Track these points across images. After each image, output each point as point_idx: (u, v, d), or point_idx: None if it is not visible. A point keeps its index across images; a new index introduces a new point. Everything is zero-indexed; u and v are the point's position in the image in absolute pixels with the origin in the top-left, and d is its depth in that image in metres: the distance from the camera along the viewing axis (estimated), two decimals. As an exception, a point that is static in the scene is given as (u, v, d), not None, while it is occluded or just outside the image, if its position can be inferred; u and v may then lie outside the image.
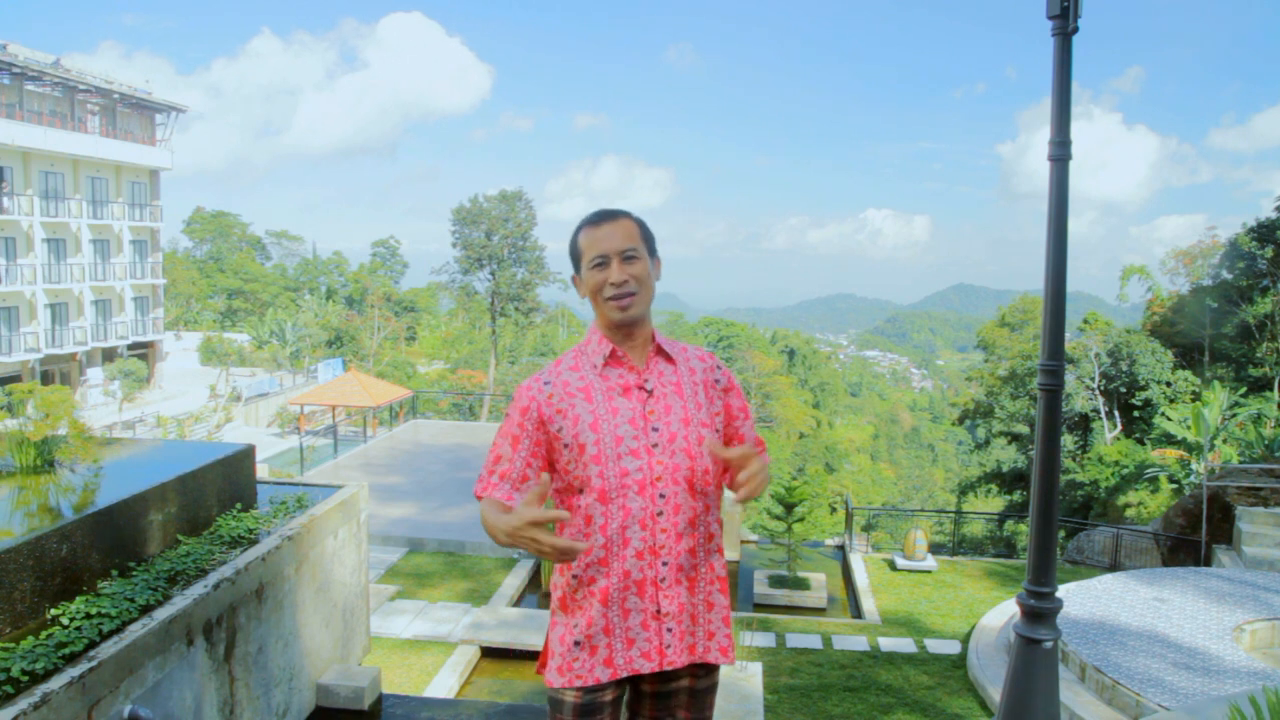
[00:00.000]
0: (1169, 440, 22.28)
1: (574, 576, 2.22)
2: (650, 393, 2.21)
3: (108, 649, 2.93)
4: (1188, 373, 29.81)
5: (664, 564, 2.17)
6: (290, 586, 4.24)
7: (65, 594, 3.14)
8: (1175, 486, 21.21)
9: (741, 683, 6.79)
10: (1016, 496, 33.14)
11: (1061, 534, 17.58)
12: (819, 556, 15.66)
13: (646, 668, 2.19)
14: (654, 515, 2.15)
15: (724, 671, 6.93)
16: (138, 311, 37.98)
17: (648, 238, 2.25)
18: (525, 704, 5.57)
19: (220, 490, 4.26)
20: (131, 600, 3.24)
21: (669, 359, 2.27)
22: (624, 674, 2.19)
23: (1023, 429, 33.83)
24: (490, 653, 9.57)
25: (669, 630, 2.19)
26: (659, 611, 2.18)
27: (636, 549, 2.15)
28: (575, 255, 2.25)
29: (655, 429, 2.18)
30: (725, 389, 2.34)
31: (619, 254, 2.17)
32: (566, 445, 2.17)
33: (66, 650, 2.85)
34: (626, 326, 2.21)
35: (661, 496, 2.16)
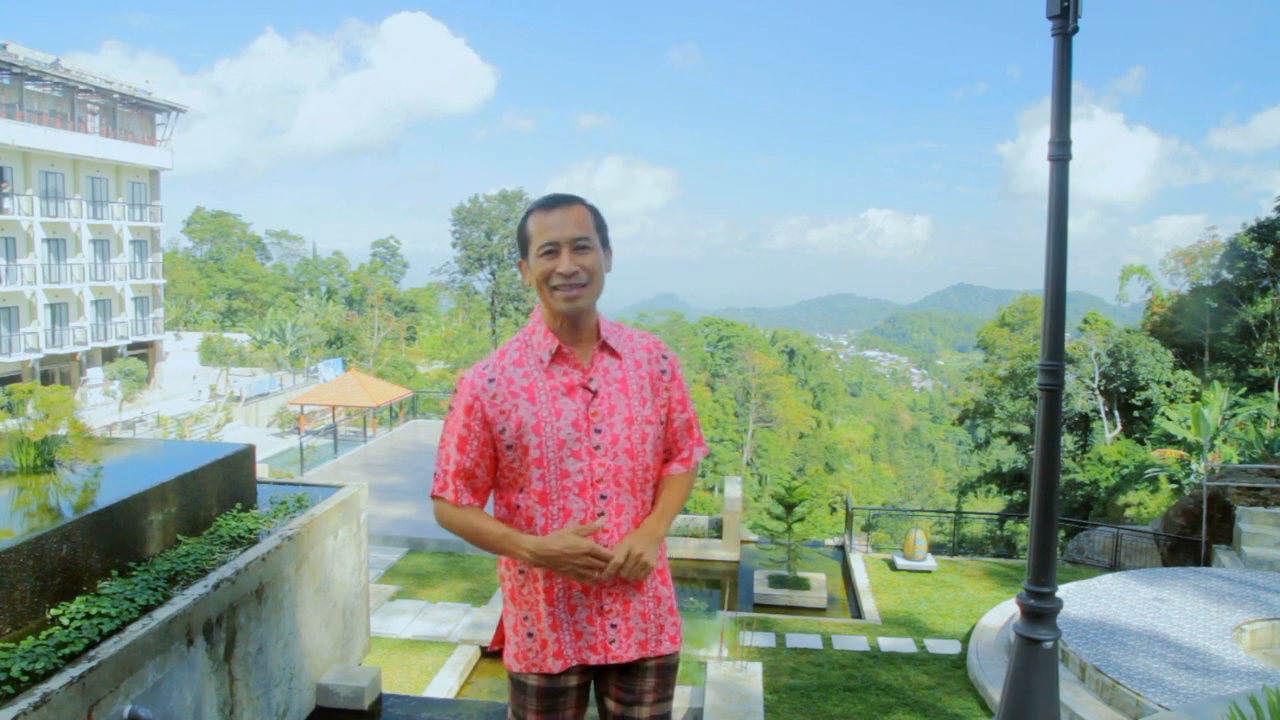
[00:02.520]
0: (1169, 440, 22.27)
1: (520, 571, 2.22)
2: (595, 393, 2.17)
3: (108, 649, 2.93)
4: (1188, 373, 29.81)
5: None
6: (290, 586, 4.24)
7: (65, 594, 3.14)
8: (1175, 486, 21.21)
9: (741, 683, 6.78)
10: (1016, 496, 33.13)
11: (1061, 534, 17.57)
12: (819, 556, 15.66)
13: (594, 660, 2.21)
14: (594, 516, 2.14)
15: (724, 671, 6.92)
16: (138, 311, 37.97)
17: (600, 226, 2.18)
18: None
19: (220, 490, 4.26)
20: (131, 600, 3.24)
21: (614, 354, 2.22)
22: (574, 663, 2.21)
23: (1023, 429, 33.83)
24: (490, 653, 9.57)
25: (613, 626, 2.20)
26: (602, 609, 2.19)
27: None
28: (523, 240, 2.17)
29: (598, 430, 2.15)
30: (671, 379, 2.30)
31: (570, 242, 2.10)
32: (509, 447, 2.14)
33: (66, 650, 2.85)
34: (572, 318, 2.15)
35: (603, 498, 2.15)
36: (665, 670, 2.32)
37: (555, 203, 2.15)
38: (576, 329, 2.17)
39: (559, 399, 2.14)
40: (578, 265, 2.09)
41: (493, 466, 2.19)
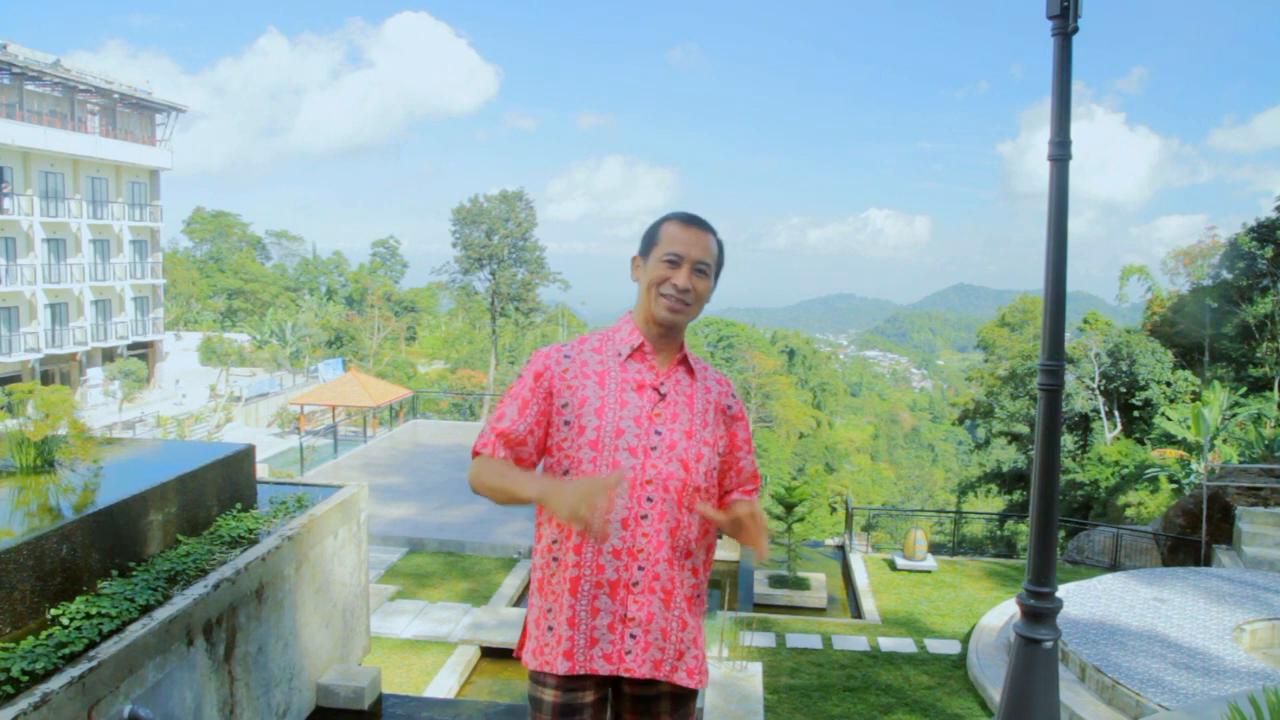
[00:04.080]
0: (1169, 440, 22.29)
1: (554, 559, 2.21)
2: (663, 396, 2.21)
3: (108, 649, 2.93)
4: (1188, 373, 29.82)
5: (640, 569, 2.14)
6: (290, 586, 4.24)
7: (65, 594, 3.14)
8: (1175, 486, 21.21)
9: (741, 683, 6.79)
10: (1016, 496, 33.15)
11: (1061, 534, 17.58)
12: (819, 556, 15.67)
13: (605, 669, 2.16)
14: (638, 518, 2.14)
15: (724, 671, 6.93)
16: (138, 311, 37.99)
17: (720, 262, 2.29)
18: (525, 704, 5.57)
19: (220, 490, 4.26)
20: (131, 600, 3.25)
21: (690, 371, 2.29)
22: (581, 670, 2.17)
23: (1023, 429, 33.84)
24: (490, 653, 9.57)
25: (632, 637, 2.16)
26: (626, 616, 2.16)
27: (614, 547, 2.13)
28: (650, 240, 2.25)
29: (658, 432, 2.17)
30: (734, 417, 2.35)
31: (694, 262, 2.20)
32: (567, 423, 2.17)
33: (66, 650, 2.85)
34: (665, 328, 2.23)
35: (648, 500, 2.15)
36: (680, 696, 2.28)
37: (693, 221, 2.25)
38: (665, 338, 2.26)
39: (627, 392, 2.20)
40: (692, 285, 2.20)
41: (541, 444, 2.22)
